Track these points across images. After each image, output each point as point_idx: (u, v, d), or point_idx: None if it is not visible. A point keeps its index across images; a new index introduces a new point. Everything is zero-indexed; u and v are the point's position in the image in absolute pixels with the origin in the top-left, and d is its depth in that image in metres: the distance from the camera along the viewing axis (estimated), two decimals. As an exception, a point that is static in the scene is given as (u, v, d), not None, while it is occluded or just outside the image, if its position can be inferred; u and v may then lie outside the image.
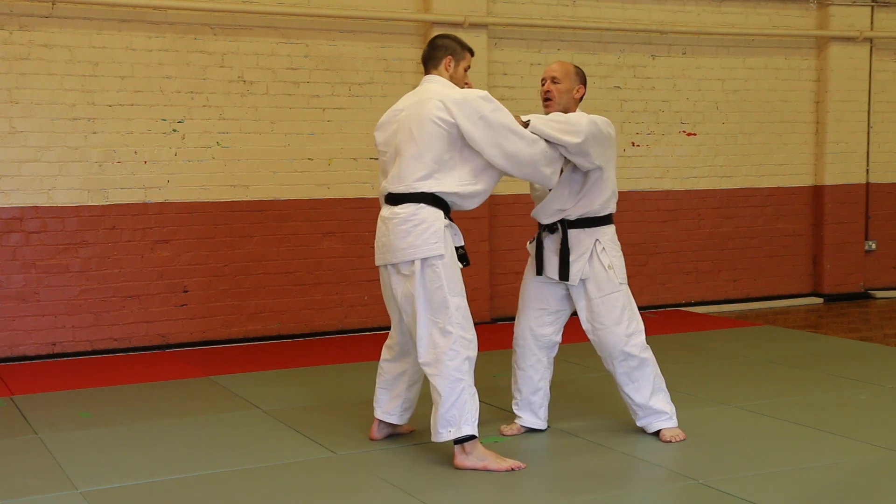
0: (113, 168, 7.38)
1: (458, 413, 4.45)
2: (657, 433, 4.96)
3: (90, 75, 7.28)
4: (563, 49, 8.70)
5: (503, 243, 8.51)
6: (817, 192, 9.80)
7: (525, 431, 5.10)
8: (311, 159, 7.95)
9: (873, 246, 10.04)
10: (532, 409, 5.08)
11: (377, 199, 8.08)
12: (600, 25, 8.79)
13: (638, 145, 9.06)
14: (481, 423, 5.23)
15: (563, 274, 4.89)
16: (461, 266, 4.65)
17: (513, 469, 4.48)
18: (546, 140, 4.65)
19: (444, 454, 4.71)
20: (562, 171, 4.83)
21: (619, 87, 8.94)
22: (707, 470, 4.47)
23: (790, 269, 9.79)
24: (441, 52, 4.74)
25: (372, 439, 4.99)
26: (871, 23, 9.74)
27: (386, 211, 4.65)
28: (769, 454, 4.69)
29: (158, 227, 7.52)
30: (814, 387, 6.07)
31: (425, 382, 4.85)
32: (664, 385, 5.00)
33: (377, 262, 4.74)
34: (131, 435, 5.19)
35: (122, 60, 7.36)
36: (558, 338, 5.10)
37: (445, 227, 4.54)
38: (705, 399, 5.71)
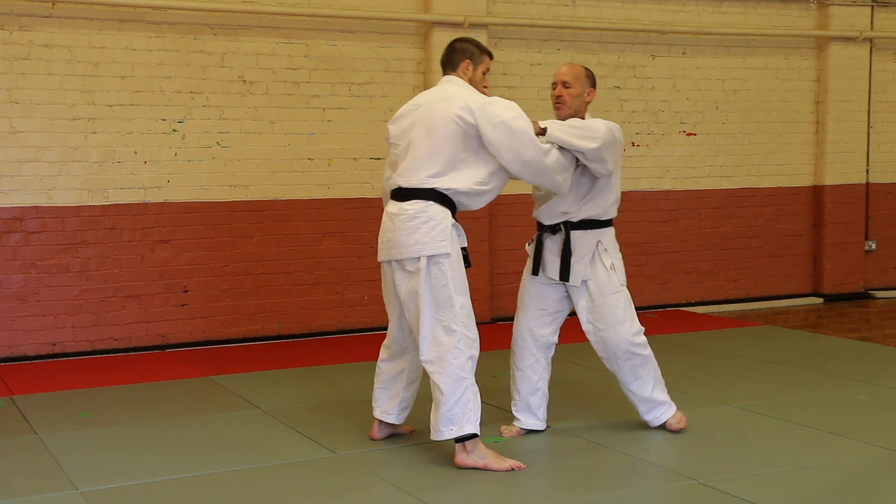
0: (113, 168, 7.38)
1: (461, 411, 4.46)
2: (663, 425, 5.06)
3: (90, 75, 7.28)
4: (563, 49, 8.71)
5: (503, 243, 8.51)
6: (817, 192, 9.80)
7: (525, 432, 5.10)
8: (311, 159, 7.95)
9: (873, 246, 10.04)
10: (531, 410, 5.09)
11: (377, 199, 8.13)
12: (600, 25, 8.79)
13: (638, 145, 9.06)
14: (481, 424, 5.24)
15: (564, 275, 4.90)
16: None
17: (513, 469, 4.49)
18: (560, 147, 4.68)
19: (444, 454, 4.71)
20: None
21: (619, 87, 8.94)
22: (707, 470, 4.47)
23: (790, 269, 9.79)
24: (460, 55, 4.77)
25: (373, 439, 4.99)
26: (871, 23, 9.74)
27: (392, 207, 4.65)
28: (769, 454, 4.69)
29: (158, 227, 7.52)
30: (814, 387, 6.07)
31: (424, 382, 4.85)
32: (661, 375, 5.08)
33: (380, 258, 4.73)
34: (131, 435, 5.19)
35: (122, 60, 7.36)
36: (555, 338, 5.11)
37: (452, 225, 4.56)
38: (705, 399, 5.71)
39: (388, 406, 4.96)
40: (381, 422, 5.00)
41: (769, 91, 9.54)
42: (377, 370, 5.03)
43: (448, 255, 4.50)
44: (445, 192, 4.55)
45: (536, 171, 4.60)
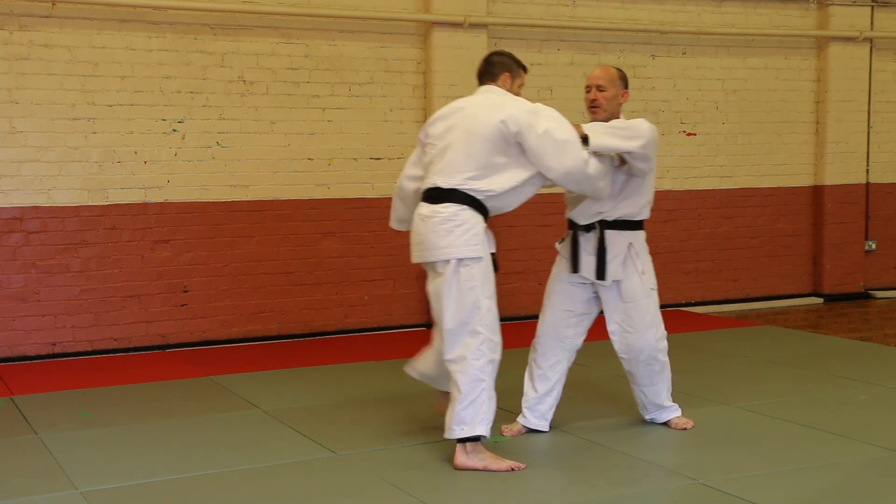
0: (113, 168, 7.38)
1: (474, 413, 4.48)
2: (666, 423, 5.13)
3: (90, 75, 7.28)
4: (563, 49, 8.71)
5: (504, 243, 8.49)
6: (817, 192, 9.80)
7: (526, 432, 5.10)
8: (311, 159, 7.95)
9: (873, 246, 10.04)
10: (541, 411, 5.09)
11: (377, 199, 8.14)
12: (600, 25, 8.79)
13: (638, 145, 9.05)
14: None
15: (601, 273, 4.92)
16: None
17: (512, 469, 4.49)
18: (596, 151, 4.72)
19: (444, 454, 4.71)
20: None
21: (619, 87, 8.93)
22: (707, 470, 4.47)
23: (790, 269, 9.79)
24: (499, 68, 4.83)
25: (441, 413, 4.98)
26: (871, 23, 9.74)
27: (425, 209, 4.66)
28: (769, 454, 4.69)
29: (158, 227, 7.52)
30: (814, 387, 6.07)
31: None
32: (671, 381, 5.17)
33: (413, 260, 4.78)
34: (131, 435, 5.19)
35: (122, 60, 7.36)
36: (580, 341, 5.13)
37: (484, 230, 4.62)
38: (705, 399, 5.71)
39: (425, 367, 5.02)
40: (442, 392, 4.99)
41: (769, 91, 9.54)
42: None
43: (479, 258, 4.55)
44: (479, 197, 4.59)
45: (578, 179, 4.65)
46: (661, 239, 9.21)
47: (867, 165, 9.92)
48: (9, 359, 7.15)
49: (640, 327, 4.97)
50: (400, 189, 4.97)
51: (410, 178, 4.90)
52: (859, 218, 9.90)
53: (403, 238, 8.21)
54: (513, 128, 4.54)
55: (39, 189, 7.20)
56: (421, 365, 5.06)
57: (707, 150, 9.37)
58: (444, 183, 4.60)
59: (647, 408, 5.15)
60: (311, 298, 8.00)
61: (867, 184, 9.94)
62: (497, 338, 4.57)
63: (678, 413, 5.17)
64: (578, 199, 5.00)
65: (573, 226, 5.04)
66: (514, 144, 4.58)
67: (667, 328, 5.13)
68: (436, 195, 4.62)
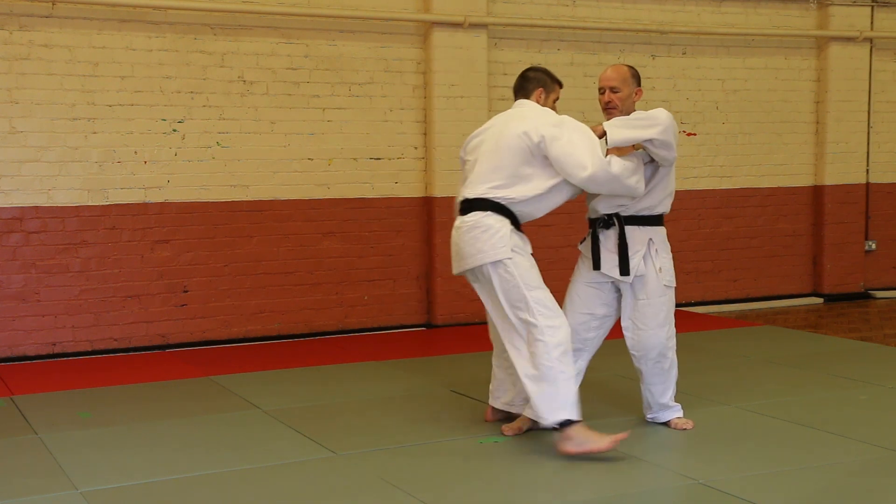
0: (113, 168, 7.38)
1: (553, 399, 4.58)
2: (666, 423, 5.15)
3: (90, 75, 7.28)
4: (563, 49, 8.71)
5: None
6: (817, 192, 9.80)
7: (525, 431, 5.09)
8: (311, 159, 7.95)
9: (873, 246, 10.04)
10: None
11: (377, 199, 8.16)
12: (600, 25, 8.79)
13: (638, 145, 9.06)
14: (483, 423, 5.24)
15: (624, 269, 4.92)
16: None
17: (616, 442, 4.57)
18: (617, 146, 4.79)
19: (444, 454, 4.72)
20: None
21: (619, 87, 8.93)
22: (707, 470, 4.47)
23: (790, 269, 9.79)
24: (533, 83, 5.00)
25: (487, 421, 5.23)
26: (871, 23, 9.74)
27: (457, 221, 4.87)
28: (769, 454, 4.69)
29: (158, 227, 7.52)
30: (814, 387, 6.07)
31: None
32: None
33: (455, 271, 4.93)
34: (131, 435, 5.19)
35: (122, 60, 7.36)
36: (599, 343, 5.13)
37: (512, 231, 4.72)
38: (705, 399, 5.71)
39: (507, 398, 5.15)
40: (495, 409, 5.22)
41: (769, 91, 9.54)
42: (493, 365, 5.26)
43: (510, 257, 4.67)
44: (503, 202, 4.73)
45: (604, 182, 4.72)
46: (661, 239, 9.21)
47: (867, 165, 9.92)
48: (9, 359, 7.15)
49: (653, 325, 4.98)
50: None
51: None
52: (859, 218, 9.90)
53: (403, 238, 8.27)
54: (535, 138, 4.69)
55: (39, 189, 7.21)
56: (501, 394, 5.20)
57: (707, 150, 9.37)
58: (471, 194, 4.81)
59: (651, 407, 5.16)
60: (310, 298, 8.00)
61: (867, 184, 9.94)
62: (556, 321, 4.66)
63: (680, 413, 5.18)
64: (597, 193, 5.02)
65: (592, 223, 5.05)
66: (539, 156, 4.72)
67: (670, 328, 5.13)
68: (465, 207, 4.83)
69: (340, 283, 8.10)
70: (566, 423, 4.58)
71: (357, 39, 8.03)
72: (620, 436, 4.61)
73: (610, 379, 6.16)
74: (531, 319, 4.63)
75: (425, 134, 8.27)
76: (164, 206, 7.53)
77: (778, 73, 9.56)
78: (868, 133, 9.89)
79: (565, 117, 4.80)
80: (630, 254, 4.93)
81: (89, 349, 7.38)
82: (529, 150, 4.71)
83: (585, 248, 5.10)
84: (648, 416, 5.20)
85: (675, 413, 5.17)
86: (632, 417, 5.30)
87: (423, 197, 8.31)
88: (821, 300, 9.77)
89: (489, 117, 8.18)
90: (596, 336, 5.08)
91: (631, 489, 4.31)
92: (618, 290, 5.05)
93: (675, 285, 5.08)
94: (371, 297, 8.17)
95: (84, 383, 6.44)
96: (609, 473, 4.48)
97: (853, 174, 9.83)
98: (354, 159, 8.08)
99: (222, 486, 4.36)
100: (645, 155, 4.91)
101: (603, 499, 4.19)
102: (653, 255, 4.98)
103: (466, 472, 4.49)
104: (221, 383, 6.35)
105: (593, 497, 4.21)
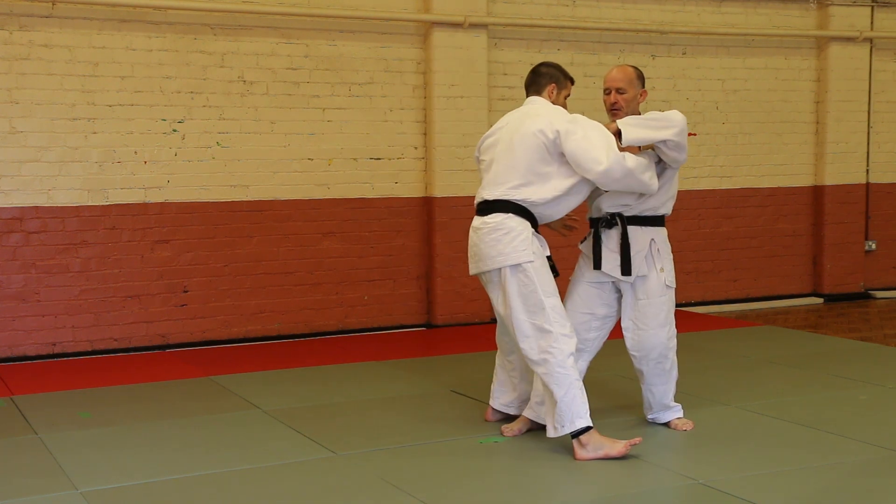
0: (113, 168, 7.38)
1: (569, 408, 4.60)
2: (666, 423, 5.16)
3: (90, 75, 7.28)
4: (563, 49, 8.71)
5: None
6: (817, 192, 9.80)
7: (525, 432, 5.09)
8: (311, 159, 7.95)
9: (873, 246, 10.04)
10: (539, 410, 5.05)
11: (377, 199, 8.15)
12: (600, 25, 8.79)
13: (638, 145, 9.05)
14: (483, 423, 5.24)
15: (626, 269, 4.92)
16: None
17: (630, 447, 4.60)
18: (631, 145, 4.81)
19: (444, 454, 4.72)
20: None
21: (619, 87, 8.93)
22: (707, 470, 4.48)
23: (790, 269, 9.79)
24: (545, 79, 5.01)
25: (486, 420, 5.27)
26: (871, 23, 9.74)
27: (476, 221, 4.87)
28: (769, 454, 4.69)
29: (158, 227, 7.52)
30: (814, 387, 6.07)
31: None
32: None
33: (471, 272, 4.93)
34: (131, 435, 5.19)
35: (122, 60, 7.36)
36: (600, 344, 5.13)
37: (532, 234, 4.74)
38: (705, 399, 5.71)
39: (507, 399, 5.19)
40: (495, 409, 5.25)
41: (769, 91, 9.54)
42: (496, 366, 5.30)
43: (531, 261, 4.69)
44: (524, 204, 4.75)
45: (619, 176, 4.72)
46: (661, 239, 9.21)
47: (867, 165, 9.92)
48: (9, 359, 7.15)
49: (654, 325, 4.98)
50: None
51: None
52: (859, 218, 9.90)
53: (403, 238, 8.27)
54: (550, 135, 4.70)
55: (39, 189, 7.21)
56: (500, 395, 5.23)
57: (707, 150, 9.38)
58: (490, 195, 4.80)
59: (652, 407, 5.16)
60: (310, 298, 8.00)
61: (867, 184, 9.94)
62: (567, 330, 4.69)
63: (680, 414, 5.18)
64: (600, 191, 5.01)
65: (594, 223, 5.05)
66: (556, 153, 4.73)
67: (670, 328, 5.13)
68: (484, 207, 4.82)
69: (340, 283, 8.10)
70: (580, 431, 4.61)
71: (357, 39, 8.04)
72: (634, 441, 4.63)
73: (611, 379, 6.16)
74: (547, 326, 4.65)
75: (425, 134, 8.27)
76: (164, 207, 7.53)
77: (778, 73, 9.56)
78: (868, 133, 9.89)
79: (578, 115, 4.82)
80: (632, 254, 4.94)
81: (89, 349, 7.38)
82: (546, 147, 4.71)
83: (586, 248, 5.10)
84: (649, 416, 5.20)
85: (675, 413, 5.17)
86: (632, 418, 5.31)
87: (423, 197, 8.31)
88: (821, 300, 9.77)
89: (489, 117, 8.26)
90: (597, 337, 5.08)
91: (631, 489, 4.31)
92: (618, 291, 5.05)
93: (675, 286, 5.09)
94: (371, 297, 8.17)
95: (84, 383, 6.44)
96: (609, 473, 4.48)
97: (853, 174, 9.83)
98: (354, 159, 8.08)
99: (222, 486, 4.36)
100: (653, 154, 4.92)
101: (603, 499, 4.19)
102: (654, 256, 4.98)
103: (466, 472, 4.49)
104: (221, 383, 6.35)
105: (593, 497, 4.21)
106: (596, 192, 5.00)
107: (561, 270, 4.93)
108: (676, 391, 5.22)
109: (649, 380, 5.09)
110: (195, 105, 7.57)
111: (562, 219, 5.08)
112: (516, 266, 4.69)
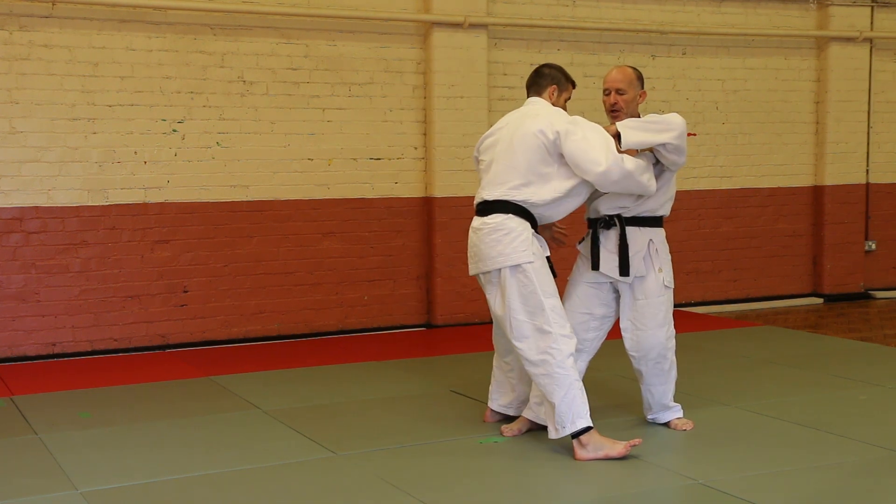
0: (113, 168, 7.38)
1: (569, 408, 4.60)
2: (666, 424, 5.16)
3: (90, 75, 7.28)
4: (563, 49, 8.71)
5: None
6: (817, 192, 9.80)
7: (524, 432, 5.09)
8: (311, 159, 7.95)
9: (873, 246, 10.04)
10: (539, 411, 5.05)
11: (377, 199, 8.15)
12: (600, 25, 8.79)
13: (638, 145, 9.05)
14: (483, 423, 5.24)
15: (624, 270, 4.92)
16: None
17: (630, 447, 4.60)
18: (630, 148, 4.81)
19: (444, 454, 4.72)
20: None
21: (619, 87, 8.93)
22: (707, 470, 4.48)
23: (790, 269, 9.79)
24: (547, 80, 5.00)
25: (485, 421, 5.27)
26: (871, 23, 9.74)
27: (476, 221, 4.87)
28: (769, 454, 4.69)
29: (158, 227, 7.52)
30: (814, 387, 6.07)
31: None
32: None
33: (471, 272, 4.94)
34: (131, 435, 5.19)
35: (122, 60, 7.36)
36: (598, 344, 5.13)
37: (532, 235, 4.74)
38: (705, 399, 5.71)
39: (506, 400, 5.19)
40: (493, 410, 5.26)
41: (769, 91, 9.54)
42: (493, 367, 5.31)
43: (531, 262, 4.69)
44: (524, 205, 4.75)
45: (618, 178, 4.72)
46: (661, 239, 9.21)
47: (867, 165, 9.92)
48: (9, 359, 7.15)
49: (652, 325, 4.98)
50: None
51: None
52: (859, 218, 9.90)
53: (403, 238, 8.27)
54: (550, 136, 4.70)
55: (39, 189, 7.21)
56: (498, 396, 5.25)
57: (707, 150, 9.38)
58: (490, 195, 4.80)
59: (652, 407, 5.16)
60: (310, 298, 8.00)
61: (867, 184, 9.94)
62: (566, 331, 4.69)
63: (680, 414, 5.18)
64: (598, 192, 5.02)
65: (592, 223, 5.05)
66: (555, 154, 4.73)
67: (669, 328, 5.13)
68: (484, 208, 4.82)
69: (340, 284, 8.10)
70: (581, 431, 4.61)
71: (357, 39, 8.04)
72: (634, 441, 4.63)
73: (610, 379, 6.16)
74: (546, 327, 4.65)
75: (425, 134, 8.27)
76: (164, 207, 7.53)
77: (778, 73, 9.56)
78: (868, 133, 9.89)
79: (578, 117, 4.82)
80: (630, 254, 4.94)
81: (89, 349, 7.38)
82: (546, 147, 4.72)
83: (584, 248, 5.10)
84: (649, 416, 5.20)
85: (675, 413, 5.17)
86: (632, 418, 5.31)
87: (422, 197, 8.31)
88: (821, 300, 9.77)
89: (489, 117, 8.26)
90: (595, 337, 5.07)
91: (631, 489, 4.31)
92: (616, 291, 5.05)
93: (673, 286, 5.09)
94: (371, 298, 8.17)
95: (84, 383, 6.44)
96: (609, 473, 4.48)
97: (853, 174, 9.83)
98: (354, 159, 8.08)
99: (222, 486, 4.36)
100: (652, 156, 4.92)
101: (603, 499, 4.19)
102: (652, 256, 4.98)
103: (466, 472, 4.49)
104: (221, 383, 6.35)
105: (593, 497, 4.21)
106: (594, 194, 5.00)
107: (559, 271, 4.93)
108: (676, 391, 5.22)
109: (648, 380, 5.09)
110: (195, 105, 7.57)
111: (551, 229, 5.07)
112: (516, 266, 4.69)
